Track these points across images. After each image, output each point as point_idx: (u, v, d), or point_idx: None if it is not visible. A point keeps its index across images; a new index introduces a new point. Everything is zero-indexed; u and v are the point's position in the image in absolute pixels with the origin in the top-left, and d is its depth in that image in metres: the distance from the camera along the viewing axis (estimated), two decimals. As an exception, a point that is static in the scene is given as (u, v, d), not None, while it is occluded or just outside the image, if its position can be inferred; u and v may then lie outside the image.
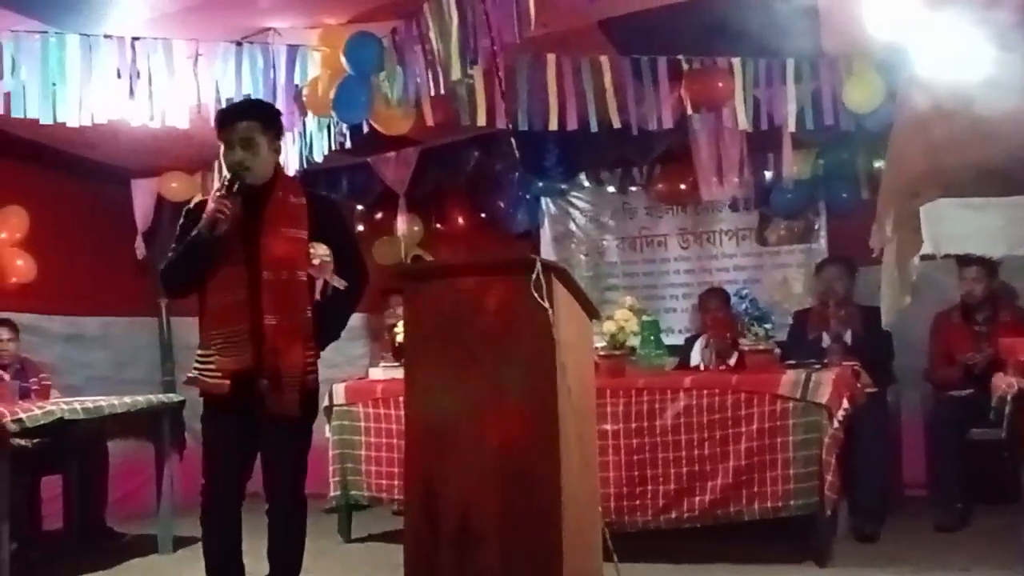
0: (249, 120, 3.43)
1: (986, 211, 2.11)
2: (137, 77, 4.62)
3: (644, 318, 5.39)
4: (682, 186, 6.75)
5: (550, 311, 2.97)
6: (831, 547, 4.61)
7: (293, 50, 4.90)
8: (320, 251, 3.50)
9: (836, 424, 4.53)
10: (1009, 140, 1.80)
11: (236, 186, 3.38)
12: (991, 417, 4.12)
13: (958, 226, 2.15)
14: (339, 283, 3.55)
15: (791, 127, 5.17)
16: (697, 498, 4.63)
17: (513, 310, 3.17)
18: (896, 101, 1.99)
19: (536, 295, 2.96)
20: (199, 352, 3.48)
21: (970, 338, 5.45)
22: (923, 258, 2.19)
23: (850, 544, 4.87)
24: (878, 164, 5.81)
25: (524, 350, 3.17)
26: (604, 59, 4.93)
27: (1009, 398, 3.17)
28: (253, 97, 4.74)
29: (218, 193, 3.41)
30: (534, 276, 2.98)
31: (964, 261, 5.21)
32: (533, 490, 3.18)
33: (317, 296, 3.53)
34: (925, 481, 5.56)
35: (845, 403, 4.63)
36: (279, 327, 3.37)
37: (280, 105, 4.56)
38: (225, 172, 3.47)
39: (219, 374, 3.39)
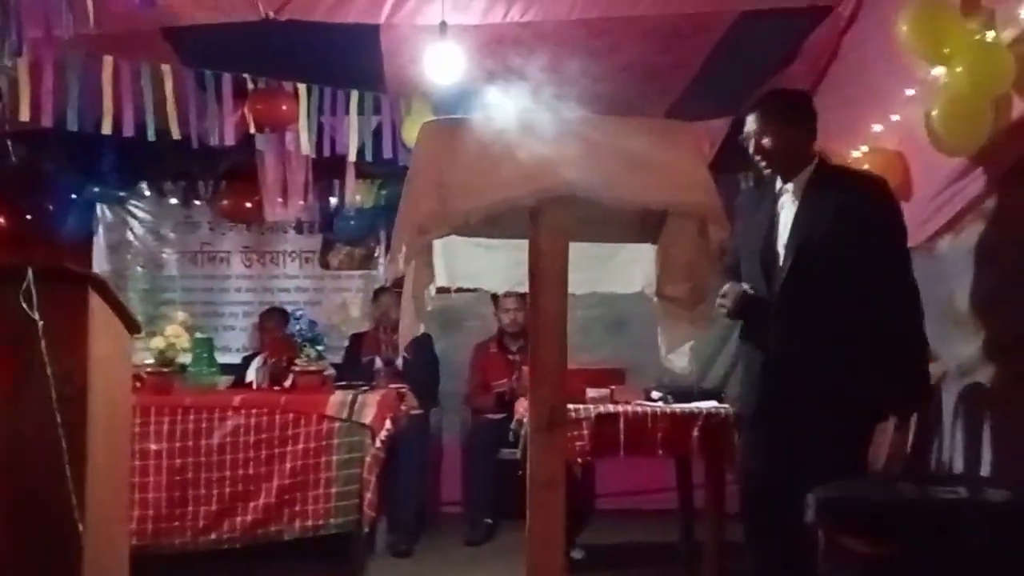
0: None
1: (495, 250, 2.34)
2: None
3: (197, 335, 5.29)
4: (247, 204, 6.70)
5: (39, 323, 2.79)
6: (367, 564, 4.78)
7: None
8: None
9: (379, 444, 4.72)
10: (516, 189, 2.01)
11: None
12: (510, 439, 4.54)
13: (471, 263, 2.37)
14: None
15: (352, 157, 5.35)
16: (239, 518, 4.60)
17: (27, 324, 2.95)
18: (415, 143, 2.16)
19: (25, 306, 2.76)
20: None
21: (505, 366, 5.93)
22: (440, 290, 2.37)
23: (386, 560, 5.07)
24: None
25: (40, 372, 2.95)
26: (166, 67, 4.79)
27: (525, 420, 3.51)
28: None
29: None
30: (24, 286, 2.77)
31: (504, 293, 5.68)
32: (50, 516, 2.99)
33: None
34: (461, 499, 5.95)
35: (388, 424, 4.85)
36: None
37: None
38: None
39: None
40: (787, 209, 3.27)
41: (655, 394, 4.06)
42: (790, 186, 3.26)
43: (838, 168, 3.44)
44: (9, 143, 5.19)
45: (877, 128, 4.19)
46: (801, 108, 3.32)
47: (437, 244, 2.24)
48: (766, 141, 3.22)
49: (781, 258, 3.22)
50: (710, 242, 2.06)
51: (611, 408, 3.80)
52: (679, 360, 2.23)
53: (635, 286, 2.36)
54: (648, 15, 4.42)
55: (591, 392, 4.03)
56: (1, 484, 2.95)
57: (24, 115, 4.54)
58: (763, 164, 3.26)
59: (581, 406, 3.85)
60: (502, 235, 2.24)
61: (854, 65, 4.51)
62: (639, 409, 3.85)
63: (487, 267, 2.38)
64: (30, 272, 2.80)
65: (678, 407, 3.85)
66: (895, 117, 4.04)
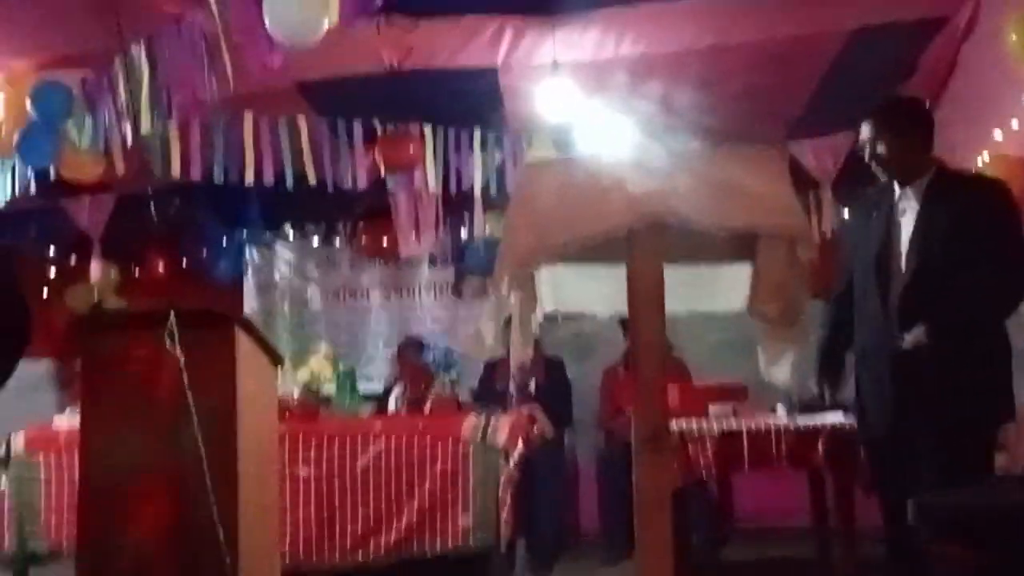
0: None
1: (600, 276, 2.48)
2: None
3: (340, 366, 5.58)
4: (384, 242, 7.02)
5: (181, 359, 3.06)
6: (507, 581, 4.95)
7: (-26, 92, 4.76)
8: None
9: (512, 464, 4.89)
10: (608, 222, 2.15)
11: None
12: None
13: (577, 289, 2.52)
14: None
15: (478, 192, 5.58)
16: (384, 538, 4.85)
17: (183, 370, 3.22)
18: (515, 183, 2.34)
19: (168, 345, 3.03)
20: None
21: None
22: (547, 317, 2.52)
23: (526, 579, 5.24)
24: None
25: (199, 402, 3.23)
26: (301, 118, 5.13)
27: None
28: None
29: None
30: (167, 329, 3.05)
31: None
32: (209, 540, 3.24)
33: None
34: (598, 520, 6.05)
35: (520, 445, 5.02)
36: None
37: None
38: None
39: None
40: (907, 216, 3.28)
41: (779, 408, 4.10)
42: (909, 192, 3.28)
43: (957, 173, 3.44)
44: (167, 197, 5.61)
45: (998, 136, 4.15)
46: (915, 115, 3.34)
47: (544, 271, 2.39)
48: (881, 149, 3.25)
49: (903, 264, 3.24)
50: (800, 262, 2.15)
51: (734, 424, 3.87)
52: (779, 373, 2.31)
53: (737, 305, 2.44)
54: (759, 40, 4.48)
55: (713, 409, 4.11)
56: (161, 516, 3.25)
57: (175, 171, 4.94)
58: (880, 171, 3.29)
59: (704, 423, 3.93)
60: (601, 261, 2.37)
61: (973, 74, 4.47)
62: (762, 424, 3.89)
63: (592, 292, 2.52)
64: (172, 315, 3.09)
65: (802, 421, 3.88)
66: (1015, 123, 3.99)
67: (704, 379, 5.30)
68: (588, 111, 4.74)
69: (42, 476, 5.12)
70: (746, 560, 5.35)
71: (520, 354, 2.36)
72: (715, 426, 3.83)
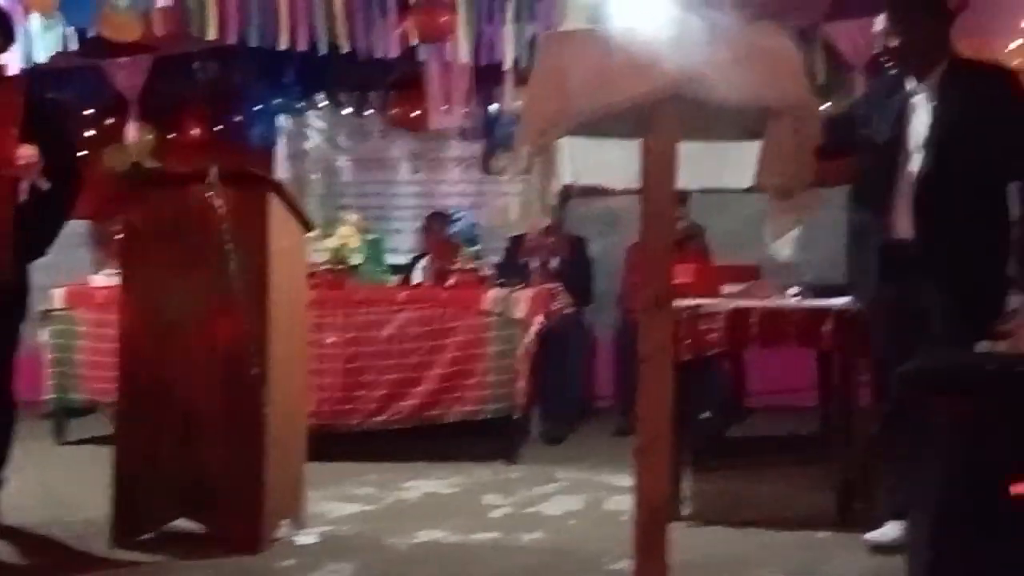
0: None
1: (618, 147, 2.57)
2: None
3: (368, 236, 5.72)
4: (414, 113, 7.07)
5: (220, 209, 3.25)
6: (521, 448, 5.17)
7: (18, -53, 4.82)
8: (26, 152, 3.43)
9: (530, 337, 5.06)
10: (630, 89, 2.23)
11: None
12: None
13: (595, 160, 2.61)
14: (43, 184, 3.50)
15: (509, 64, 5.60)
16: (405, 402, 5.06)
17: (224, 219, 3.39)
18: (536, 52, 2.41)
19: (209, 197, 3.22)
20: None
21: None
22: (567, 189, 2.62)
23: (539, 446, 5.44)
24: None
25: (236, 256, 3.40)
26: (335, -17, 5.16)
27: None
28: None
29: None
30: (208, 181, 3.24)
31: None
32: (237, 389, 3.43)
33: (24, 197, 3.51)
34: (613, 392, 6.25)
35: (540, 319, 5.18)
36: None
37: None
38: None
39: None
40: (921, 108, 3.32)
41: (792, 290, 4.20)
42: (923, 85, 3.31)
43: (970, 62, 3.45)
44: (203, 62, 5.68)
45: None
46: (928, 6, 3.35)
47: (562, 143, 2.48)
48: (896, 38, 3.28)
49: (911, 155, 3.29)
50: (806, 135, 2.23)
51: (744, 303, 3.97)
52: (783, 249, 2.42)
53: (747, 182, 2.53)
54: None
55: (726, 288, 4.22)
56: (199, 363, 3.44)
57: (211, 34, 5.01)
58: (893, 62, 3.33)
59: (716, 300, 4.04)
60: (621, 135, 2.46)
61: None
62: (772, 304, 4.00)
63: (610, 164, 2.61)
64: (213, 170, 3.23)
65: (810, 303, 3.98)
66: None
67: (726, 259, 5.41)
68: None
69: (80, 330, 5.36)
70: (750, 436, 5.54)
71: (536, 224, 2.46)
72: (726, 304, 3.93)
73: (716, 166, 2.66)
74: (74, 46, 5.35)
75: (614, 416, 5.95)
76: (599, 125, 2.40)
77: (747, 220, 6.36)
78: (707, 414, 5.22)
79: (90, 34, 5.16)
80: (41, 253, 3.64)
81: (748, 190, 2.53)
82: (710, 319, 3.89)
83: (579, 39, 2.32)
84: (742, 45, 2.21)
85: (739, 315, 3.87)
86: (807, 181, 2.29)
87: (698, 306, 3.90)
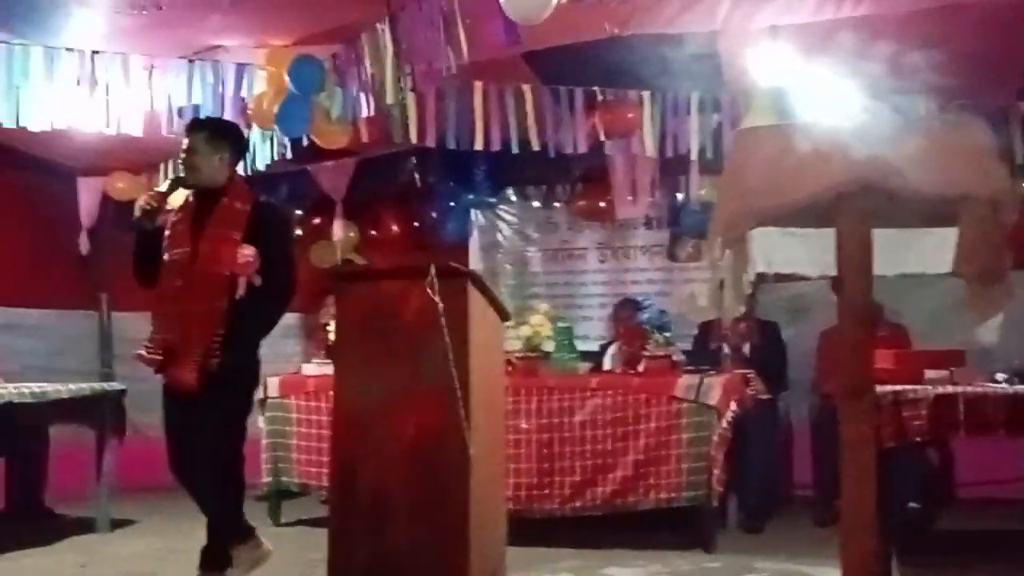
0: (198, 131, 3.93)
1: (809, 238, 2.61)
2: (95, 86, 5.01)
3: (559, 324, 5.85)
4: (601, 204, 7.24)
5: (440, 305, 3.42)
6: (717, 537, 5.09)
7: (241, 67, 5.33)
8: (246, 251, 3.79)
9: (724, 424, 5.03)
10: (814, 186, 2.28)
11: (172, 185, 3.87)
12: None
13: (785, 250, 2.66)
14: (257, 280, 3.82)
15: (694, 155, 5.70)
16: (599, 489, 5.10)
17: (428, 311, 3.57)
18: (728, 148, 2.50)
19: (429, 293, 3.41)
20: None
21: (852, 351, 5.98)
22: (761, 279, 2.67)
23: (737, 536, 5.35)
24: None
25: (437, 347, 3.57)
26: (527, 87, 5.42)
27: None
28: (202, 109, 5.17)
29: (156, 189, 3.89)
30: (428, 278, 3.44)
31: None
32: (442, 475, 3.57)
33: (241, 292, 3.82)
34: (811, 482, 6.09)
35: (733, 405, 5.15)
36: (192, 311, 3.76)
37: (227, 117, 4.99)
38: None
39: (154, 349, 3.82)
40: None
41: (999, 376, 4.05)
42: None
43: None
44: (412, 160, 6.05)
45: None
46: None
47: (756, 233, 2.54)
48: None
49: None
50: (1002, 224, 2.21)
51: (949, 388, 3.86)
52: (988, 335, 2.39)
53: (946, 267, 2.51)
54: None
55: (929, 374, 4.10)
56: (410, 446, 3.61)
57: (413, 138, 5.35)
58: None
59: (919, 387, 3.93)
60: (811, 225, 2.50)
61: None
62: (978, 389, 3.87)
63: (802, 254, 2.64)
64: (432, 268, 3.45)
65: (1020, 388, 3.83)
66: None
67: (926, 345, 5.24)
68: (808, 74, 4.76)
69: (294, 417, 5.69)
70: (961, 529, 5.27)
71: (732, 312, 2.52)
72: (930, 390, 3.83)
73: (914, 250, 2.65)
74: (288, 154, 5.80)
75: (813, 505, 5.80)
76: (782, 220, 2.46)
77: (949, 304, 6.23)
78: (915, 505, 5.03)
79: (304, 142, 5.59)
80: (254, 344, 3.93)
81: (948, 274, 2.52)
82: (913, 405, 3.79)
83: (760, 136, 2.39)
84: (934, 133, 2.23)
85: (944, 401, 3.76)
86: (1007, 267, 2.26)
87: (900, 392, 3.80)
